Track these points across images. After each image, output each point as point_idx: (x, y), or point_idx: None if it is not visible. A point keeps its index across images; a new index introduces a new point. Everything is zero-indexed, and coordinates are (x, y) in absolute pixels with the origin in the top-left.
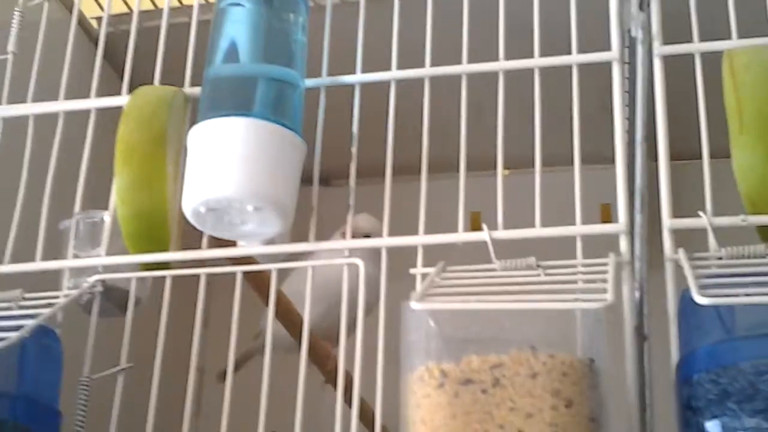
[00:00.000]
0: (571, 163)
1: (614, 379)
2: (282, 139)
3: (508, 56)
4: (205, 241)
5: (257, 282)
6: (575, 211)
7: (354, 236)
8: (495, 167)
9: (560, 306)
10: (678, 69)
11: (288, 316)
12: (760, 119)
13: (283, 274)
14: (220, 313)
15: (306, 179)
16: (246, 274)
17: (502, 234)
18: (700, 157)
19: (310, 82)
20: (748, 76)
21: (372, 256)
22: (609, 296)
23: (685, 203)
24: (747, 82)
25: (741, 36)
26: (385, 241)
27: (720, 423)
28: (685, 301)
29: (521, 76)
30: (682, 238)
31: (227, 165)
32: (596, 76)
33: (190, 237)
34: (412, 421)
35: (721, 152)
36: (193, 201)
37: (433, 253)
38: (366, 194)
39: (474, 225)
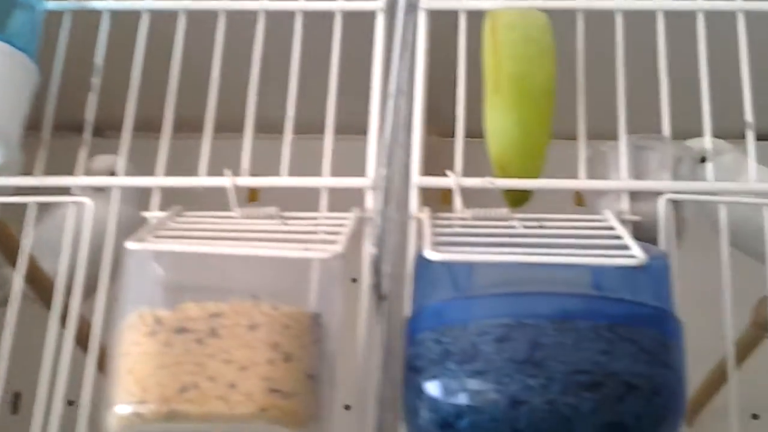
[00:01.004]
0: (357, 130)
1: (348, 337)
2: (7, 60)
3: None
4: None
5: None
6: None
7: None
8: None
9: (282, 254)
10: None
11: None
12: (517, 81)
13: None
14: None
15: (68, 126)
16: None
17: (244, 180)
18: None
19: (52, 5)
20: (509, 36)
21: (131, 198)
22: (338, 247)
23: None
24: (507, 42)
25: None
26: (119, 181)
27: (439, 383)
28: (420, 258)
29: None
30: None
31: None
32: None
33: None
34: (118, 371)
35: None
36: None
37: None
38: (143, 148)
39: (252, 196)
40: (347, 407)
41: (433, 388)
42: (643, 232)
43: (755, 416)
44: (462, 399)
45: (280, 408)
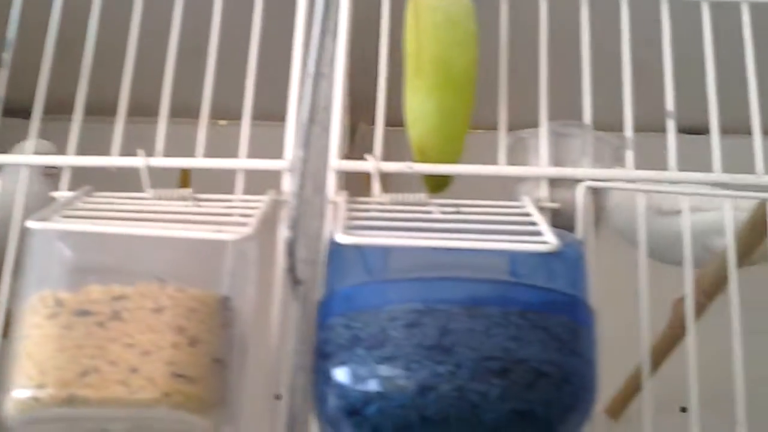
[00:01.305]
0: (279, 117)
1: (263, 322)
2: None
3: None
4: None
5: None
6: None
7: None
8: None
9: (190, 235)
10: None
11: None
12: (439, 64)
13: None
14: None
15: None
16: None
17: (158, 161)
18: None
19: None
20: (432, 18)
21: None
22: (248, 229)
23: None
24: (430, 25)
25: None
26: (30, 159)
27: (348, 369)
28: (333, 242)
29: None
30: None
31: None
32: None
33: None
34: (18, 355)
35: None
36: None
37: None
38: (63, 130)
39: (183, 180)
40: (278, 397)
41: (341, 374)
42: (563, 220)
43: (683, 409)
44: (370, 385)
45: (183, 393)
